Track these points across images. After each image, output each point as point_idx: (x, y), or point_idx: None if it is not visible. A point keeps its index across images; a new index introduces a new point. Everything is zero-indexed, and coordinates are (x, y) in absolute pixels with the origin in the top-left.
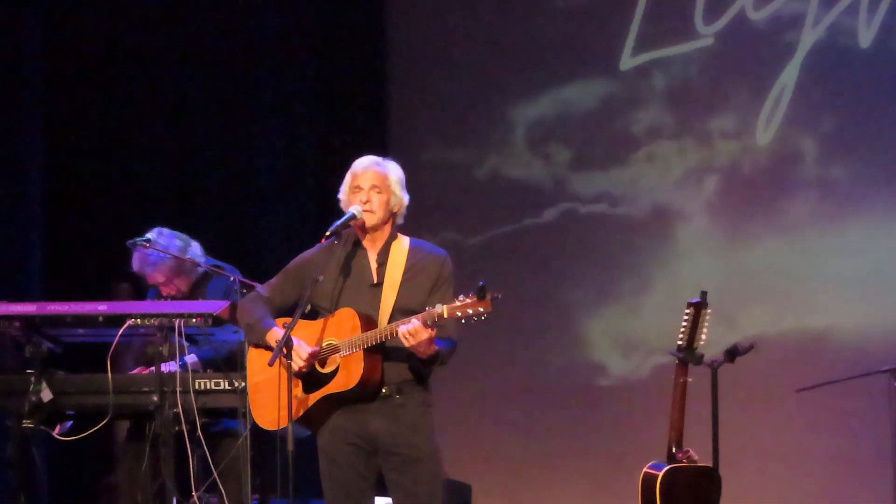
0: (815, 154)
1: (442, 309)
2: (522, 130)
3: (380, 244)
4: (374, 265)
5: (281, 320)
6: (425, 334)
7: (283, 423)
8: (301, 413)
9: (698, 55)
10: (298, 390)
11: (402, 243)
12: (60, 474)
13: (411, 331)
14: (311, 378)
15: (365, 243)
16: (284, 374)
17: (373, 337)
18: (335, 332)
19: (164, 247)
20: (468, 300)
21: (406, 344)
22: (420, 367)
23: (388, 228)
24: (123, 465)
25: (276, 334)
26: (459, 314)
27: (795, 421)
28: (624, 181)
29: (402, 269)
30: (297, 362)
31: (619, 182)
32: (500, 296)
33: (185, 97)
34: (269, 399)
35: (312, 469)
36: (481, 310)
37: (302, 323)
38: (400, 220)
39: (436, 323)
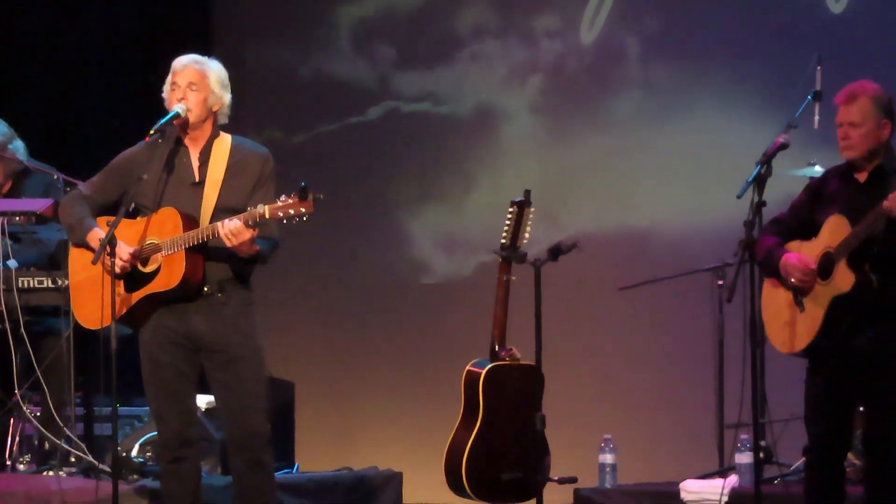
0: (638, 53)
1: (264, 209)
2: (346, 29)
3: (201, 143)
4: (195, 164)
5: (103, 219)
6: (247, 234)
7: (107, 322)
8: (124, 312)
9: None
10: (121, 289)
11: (225, 141)
12: None
13: (233, 230)
14: (133, 277)
15: (187, 142)
16: (107, 274)
17: (194, 236)
18: (157, 231)
19: None
20: (290, 200)
21: (227, 244)
22: (241, 266)
23: (208, 127)
24: None
25: (97, 234)
26: (281, 214)
27: (618, 319)
28: (448, 80)
29: (224, 167)
30: (119, 262)
31: (443, 81)
32: (321, 196)
33: None
34: (92, 298)
35: (135, 368)
36: (303, 210)
37: (125, 222)
38: (223, 120)
39: (257, 223)
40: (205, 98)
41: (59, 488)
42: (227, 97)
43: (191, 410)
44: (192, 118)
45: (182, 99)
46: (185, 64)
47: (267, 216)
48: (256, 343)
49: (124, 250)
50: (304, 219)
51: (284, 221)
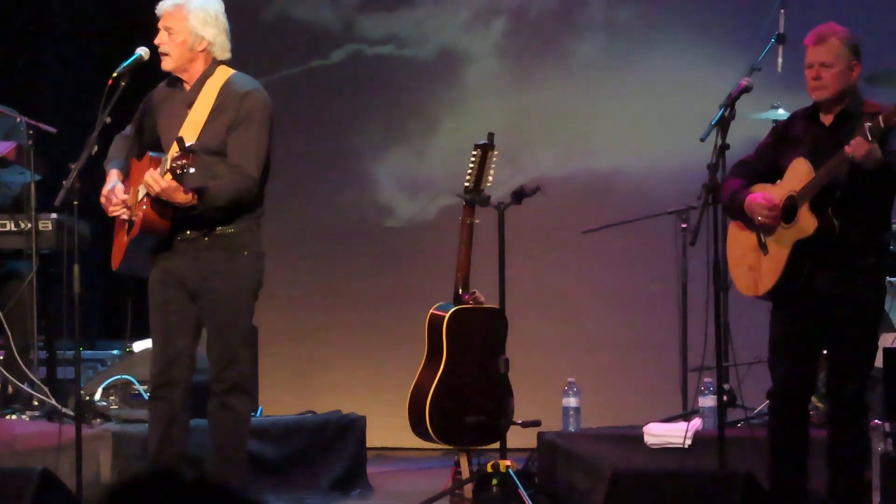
0: None
1: (166, 159)
2: None
3: (192, 83)
4: (186, 105)
5: (144, 159)
6: (162, 184)
7: (113, 267)
8: (122, 257)
9: None
10: (125, 235)
11: (218, 80)
12: None
13: (148, 181)
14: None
15: (184, 83)
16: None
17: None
18: (144, 177)
19: None
20: (179, 153)
21: (150, 192)
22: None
23: (198, 66)
24: None
25: (111, 175)
26: (175, 166)
27: (582, 262)
28: (411, 23)
29: (209, 108)
30: (111, 207)
31: (407, 23)
32: (194, 147)
33: None
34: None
35: (98, 311)
36: (185, 162)
37: (137, 166)
38: (222, 56)
39: (178, 174)
40: (184, 40)
41: (21, 432)
42: (209, 33)
43: (178, 352)
44: (171, 64)
45: (161, 43)
46: (164, 8)
47: (167, 167)
48: (236, 289)
49: (119, 197)
50: (187, 171)
51: (179, 172)
